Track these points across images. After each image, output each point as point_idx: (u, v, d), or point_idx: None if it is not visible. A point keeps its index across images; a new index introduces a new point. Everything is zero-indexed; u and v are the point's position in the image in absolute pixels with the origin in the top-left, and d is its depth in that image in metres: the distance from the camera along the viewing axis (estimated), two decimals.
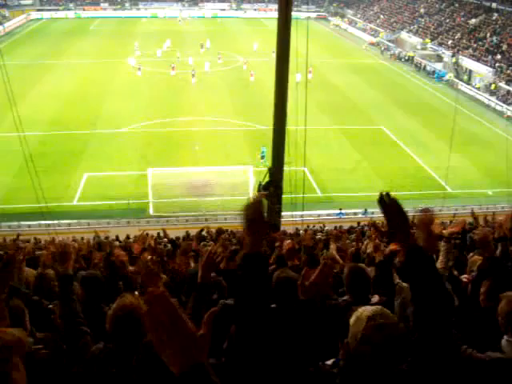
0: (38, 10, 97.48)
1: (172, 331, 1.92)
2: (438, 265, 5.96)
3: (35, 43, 74.60)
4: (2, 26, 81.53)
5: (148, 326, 1.92)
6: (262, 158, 34.57)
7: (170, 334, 1.92)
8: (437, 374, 3.30)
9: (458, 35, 70.06)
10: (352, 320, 3.17)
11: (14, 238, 19.93)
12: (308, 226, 24.04)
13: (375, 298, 5.18)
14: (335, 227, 22.99)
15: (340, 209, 30.45)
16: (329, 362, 3.85)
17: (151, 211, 30.87)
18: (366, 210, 30.48)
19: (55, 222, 26.69)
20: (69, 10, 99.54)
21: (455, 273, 6.58)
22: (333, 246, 10.46)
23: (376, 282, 5.94)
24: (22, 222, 28.26)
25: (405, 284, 5.38)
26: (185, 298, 5.86)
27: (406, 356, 3.30)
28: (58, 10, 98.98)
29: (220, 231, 12.59)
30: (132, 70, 60.32)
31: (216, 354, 3.97)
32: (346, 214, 30.54)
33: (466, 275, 6.69)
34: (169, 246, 15.87)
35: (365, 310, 3.16)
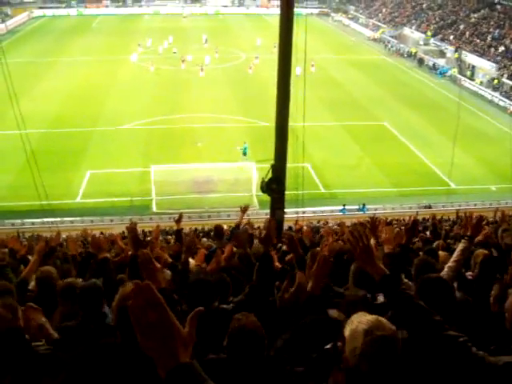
0: (40, 8, 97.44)
1: (156, 327, 1.89)
2: (451, 263, 5.89)
3: (37, 41, 74.61)
4: (5, 24, 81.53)
5: (132, 320, 1.90)
6: (244, 154, 34.78)
7: (155, 330, 1.88)
8: (448, 377, 3.28)
9: (461, 30, 69.85)
10: (347, 333, 3.04)
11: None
12: (312, 223, 24.07)
13: (381, 297, 5.13)
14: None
15: (343, 205, 30.39)
16: (328, 346, 3.90)
17: (154, 208, 30.88)
18: (364, 205, 30.27)
19: (58, 219, 26.74)
20: (71, 7, 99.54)
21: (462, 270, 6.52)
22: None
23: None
24: (26, 220, 28.30)
25: (411, 283, 5.33)
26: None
27: (411, 363, 3.28)
28: (60, 7, 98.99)
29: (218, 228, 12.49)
30: (144, 66, 60.47)
31: (216, 350, 3.99)
32: (349, 210, 30.46)
33: (470, 272, 6.63)
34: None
35: (360, 323, 3.00)
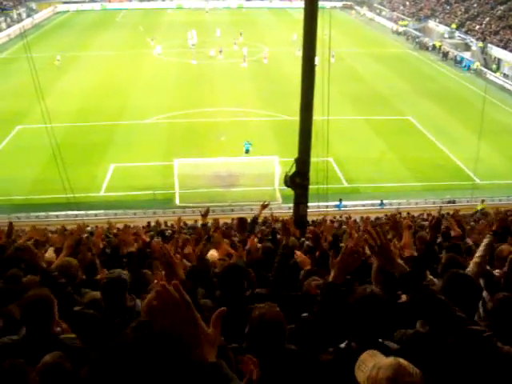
0: (65, 3, 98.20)
1: (183, 327, 1.88)
2: (476, 258, 5.82)
3: (62, 35, 75.23)
4: (31, 19, 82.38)
5: (157, 321, 1.89)
6: (247, 152, 34.74)
7: (181, 331, 1.88)
8: (472, 372, 3.27)
9: (486, 22, 68.85)
10: (362, 380, 2.70)
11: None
12: (335, 218, 24.02)
13: (403, 297, 5.10)
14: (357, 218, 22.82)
15: (340, 199, 30.18)
16: (342, 345, 3.91)
17: (177, 201, 31.03)
18: (381, 201, 30.15)
19: (82, 212, 27.05)
20: (95, 2, 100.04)
21: (488, 267, 6.45)
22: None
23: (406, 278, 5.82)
24: (50, 213, 28.64)
25: (436, 280, 5.30)
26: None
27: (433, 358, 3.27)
28: (84, 2, 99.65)
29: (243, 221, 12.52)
30: (163, 60, 60.76)
31: (237, 340, 4.02)
32: (367, 205, 30.42)
33: (498, 270, 6.54)
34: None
35: (381, 368, 2.60)
